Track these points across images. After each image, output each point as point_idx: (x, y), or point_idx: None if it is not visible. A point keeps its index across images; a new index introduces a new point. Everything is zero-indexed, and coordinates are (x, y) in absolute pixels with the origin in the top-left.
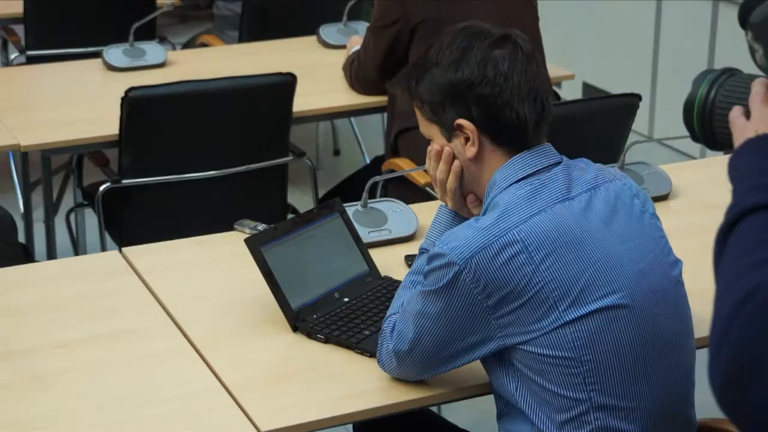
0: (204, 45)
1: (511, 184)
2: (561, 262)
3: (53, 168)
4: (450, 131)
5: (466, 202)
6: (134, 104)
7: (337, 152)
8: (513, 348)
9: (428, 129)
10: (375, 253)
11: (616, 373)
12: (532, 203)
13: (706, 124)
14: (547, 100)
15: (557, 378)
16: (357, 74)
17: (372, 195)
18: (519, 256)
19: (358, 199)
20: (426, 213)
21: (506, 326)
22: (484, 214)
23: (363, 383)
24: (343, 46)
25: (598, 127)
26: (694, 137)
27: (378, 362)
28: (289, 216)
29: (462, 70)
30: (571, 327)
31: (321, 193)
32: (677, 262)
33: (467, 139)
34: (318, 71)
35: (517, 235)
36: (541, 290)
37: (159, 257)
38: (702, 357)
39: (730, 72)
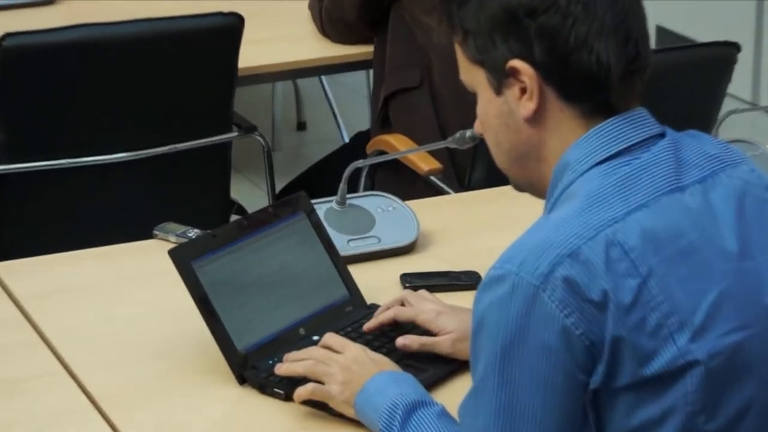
0: None
1: (592, 166)
2: (675, 277)
3: None
4: (500, 78)
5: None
6: (10, 57)
7: (301, 126)
8: (609, 396)
9: (471, 75)
10: (357, 271)
11: None
12: (628, 194)
13: None
14: (643, 47)
15: None
16: (329, 13)
17: (353, 187)
18: (619, 264)
19: (333, 192)
20: (430, 213)
21: (611, 365)
22: (551, 210)
23: None
24: None
25: (680, 88)
26: None
27: None
28: (233, 217)
29: None
30: (695, 371)
31: (279, 185)
32: None
33: (523, 91)
34: (274, 11)
35: (613, 237)
36: (651, 314)
37: (45, 277)
38: None
39: None
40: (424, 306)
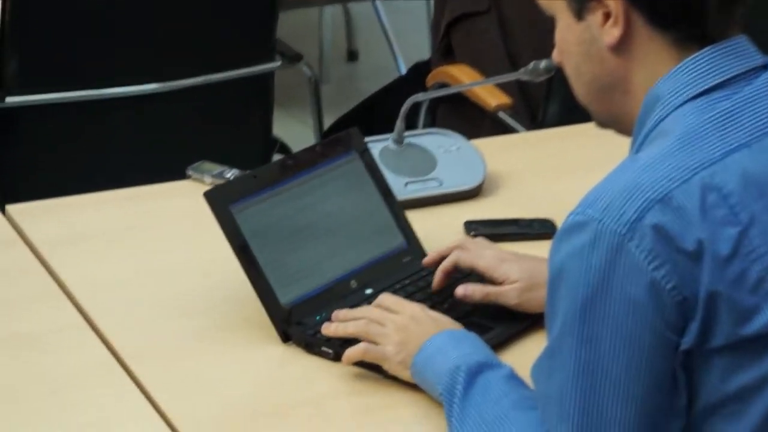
0: None
1: (687, 101)
2: None
3: None
4: (581, 1)
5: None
6: None
7: (352, 55)
8: (703, 358)
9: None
10: (415, 218)
11: None
12: (727, 132)
13: None
14: None
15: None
16: None
17: (411, 124)
18: (716, 210)
19: (388, 129)
20: (498, 153)
21: (705, 323)
22: (639, 150)
23: (398, 427)
24: None
25: None
26: None
27: None
28: (276, 157)
29: None
30: None
31: (328, 121)
32: None
33: (607, 16)
34: None
35: (709, 180)
36: (752, 266)
37: (65, 222)
38: None
39: None
40: (485, 252)
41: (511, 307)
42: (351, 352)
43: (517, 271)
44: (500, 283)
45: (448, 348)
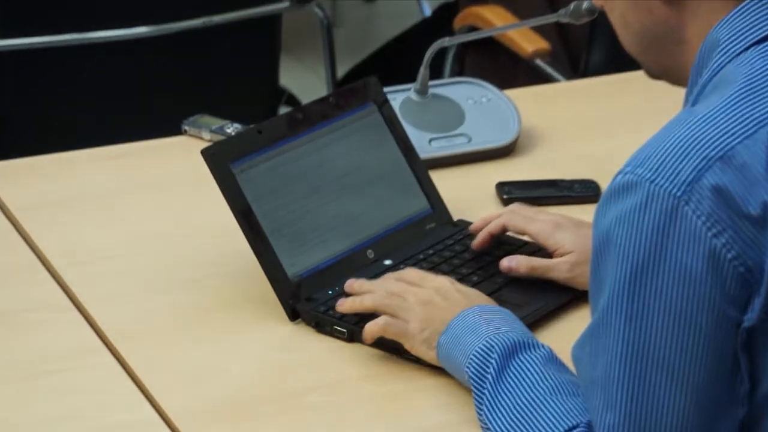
0: None
1: (749, 47)
2: None
3: None
4: None
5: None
6: None
7: None
8: (766, 338)
9: None
10: (441, 178)
11: None
12: None
13: None
14: None
15: None
16: None
17: (436, 73)
18: None
19: (410, 78)
20: (534, 106)
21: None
22: (696, 102)
23: (420, 416)
24: None
25: None
26: None
27: None
28: (282, 109)
29: None
30: None
31: (342, 70)
32: None
33: None
34: None
35: None
36: None
37: (45, 183)
38: None
39: None
40: (539, 215)
41: (560, 282)
42: (371, 327)
43: (573, 240)
44: (552, 252)
45: (479, 325)
